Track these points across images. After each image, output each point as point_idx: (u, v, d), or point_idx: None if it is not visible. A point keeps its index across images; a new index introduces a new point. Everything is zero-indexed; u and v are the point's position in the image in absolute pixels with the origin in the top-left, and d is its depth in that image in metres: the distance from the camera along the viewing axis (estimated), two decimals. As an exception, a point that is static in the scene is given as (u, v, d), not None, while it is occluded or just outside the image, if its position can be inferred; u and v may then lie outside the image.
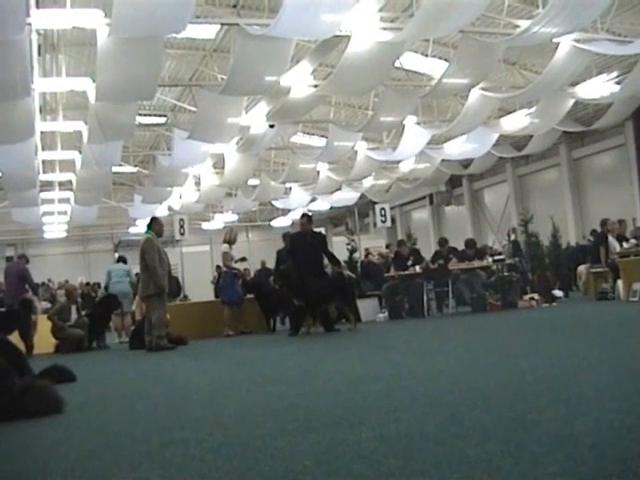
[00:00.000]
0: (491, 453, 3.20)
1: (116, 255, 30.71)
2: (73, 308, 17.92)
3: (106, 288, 20.65)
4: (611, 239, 18.77)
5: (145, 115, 31.31)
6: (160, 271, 14.27)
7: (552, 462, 2.94)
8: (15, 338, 14.66)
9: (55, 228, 43.73)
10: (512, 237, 23.92)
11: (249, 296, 18.74)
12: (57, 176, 33.36)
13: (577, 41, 19.51)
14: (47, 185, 34.41)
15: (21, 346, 14.38)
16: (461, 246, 20.39)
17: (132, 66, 16.87)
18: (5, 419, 5.49)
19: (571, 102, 24.64)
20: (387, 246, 27.14)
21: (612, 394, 4.55)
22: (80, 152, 27.40)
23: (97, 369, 11.67)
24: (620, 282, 17.03)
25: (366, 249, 26.28)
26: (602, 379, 5.25)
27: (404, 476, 2.95)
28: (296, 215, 44.11)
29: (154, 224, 15.20)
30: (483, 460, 3.09)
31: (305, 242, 15.75)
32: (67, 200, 36.64)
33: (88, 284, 33.38)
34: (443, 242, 20.64)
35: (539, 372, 5.95)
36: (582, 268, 21.77)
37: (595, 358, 6.68)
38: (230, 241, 18.28)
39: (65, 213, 39.40)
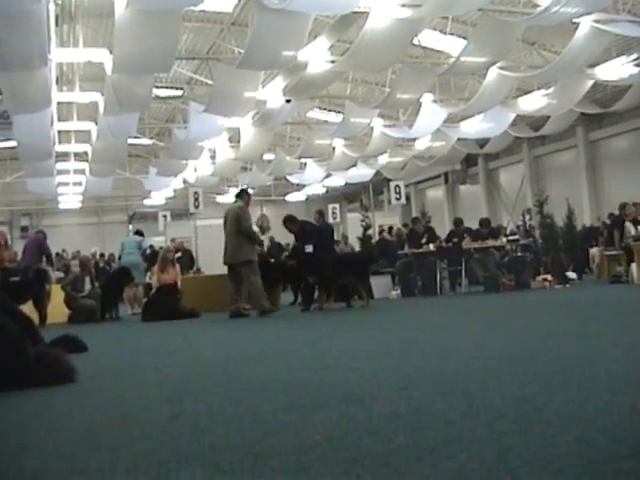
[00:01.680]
0: (501, 433, 3.20)
1: (130, 227, 30.77)
2: (87, 279, 17.98)
3: (119, 259, 20.74)
4: (628, 223, 18.66)
5: (161, 87, 31.26)
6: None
7: (562, 443, 2.94)
8: (29, 307, 14.74)
9: (70, 199, 43.86)
10: (527, 219, 23.86)
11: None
12: (73, 147, 33.44)
13: (597, 22, 19.36)
14: (62, 156, 34.49)
15: (35, 315, 14.49)
16: (475, 225, 20.37)
17: (149, 38, 16.85)
18: (18, 387, 5.51)
19: (589, 83, 24.50)
20: (404, 225, 27.04)
21: (624, 377, 4.55)
22: (96, 123, 27.43)
23: (109, 340, 11.73)
24: (634, 265, 16.98)
25: (380, 226, 26.26)
26: (614, 362, 5.23)
27: (414, 453, 2.96)
28: (311, 190, 44.18)
29: (244, 194, 15.57)
30: (493, 439, 3.09)
31: (318, 231, 16.10)
32: (82, 171, 36.75)
33: (103, 256, 33.48)
34: (458, 222, 20.61)
35: (551, 353, 5.95)
36: (595, 250, 21.71)
37: (608, 341, 6.66)
38: (262, 228, 18.21)
39: (80, 184, 39.52)
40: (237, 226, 14.48)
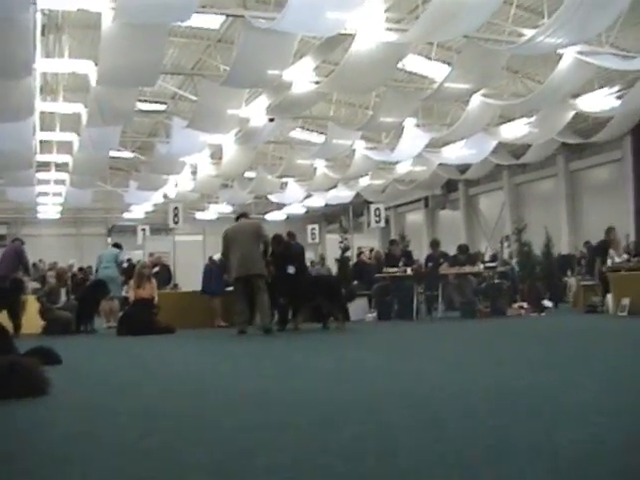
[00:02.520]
0: (471, 460, 3.21)
1: (109, 240, 30.65)
2: (62, 290, 17.88)
3: (96, 272, 20.61)
4: (612, 251, 18.63)
5: (145, 101, 31.22)
6: None
7: (529, 474, 2.95)
8: (3, 317, 14.64)
9: (49, 209, 43.70)
10: (505, 246, 23.96)
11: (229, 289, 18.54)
12: (54, 157, 33.31)
13: (581, 53, 19.53)
14: (43, 166, 34.35)
15: (9, 325, 14.37)
16: (454, 251, 20.40)
17: (135, 52, 16.85)
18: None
19: (571, 114, 24.67)
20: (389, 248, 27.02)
21: (595, 408, 4.56)
22: (78, 134, 27.36)
23: (84, 353, 11.66)
24: (610, 296, 17.05)
25: (359, 248, 26.28)
26: (586, 392, 5.26)
27: (382, 477, 2.96)
28: (291, 210, 44.18)
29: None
30: (463, 466, 3.10)
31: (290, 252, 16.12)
32: (63, 182, 36.60)
33: (82, 269, 33.30)
34: (435, 244, 20.67)
35: (524, 381, 5.97)
36: (572, 280, 21.81)
37: (580, 371, 6.70)
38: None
39: (60, 195, 39.37)
40: (257, 239, 14.57)
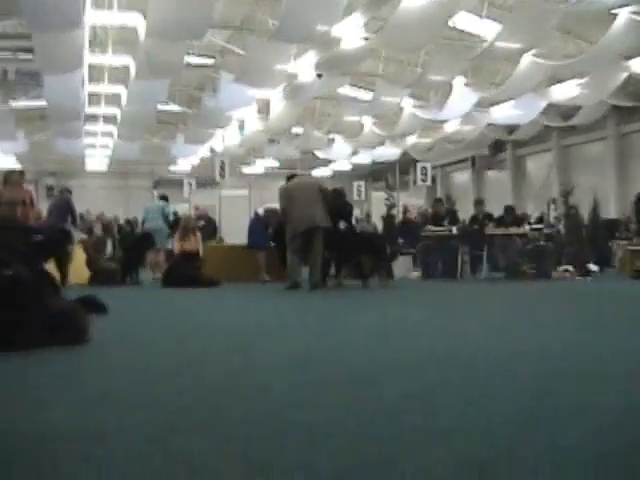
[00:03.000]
0: (514, 420, 3.22)
1: (155, 193, 30.83)
2: (109, 241, 18.05)
3: (143, 224, 20.75)
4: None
5: (193, 55, 31.22)
6: None
7: (573, 435, 2.95)
8: (51, 267, 14.81)
9: (96, 161, 44.03)
10: (552, 209, 23.76)
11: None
12: (102, 110, 33.51)
13: (635, 13, 19.16)
14: (91, 118, 34.57)
15: (57, 275, 14.57)
16: (499, 211, 20.23)
17: (184, 4, 16.86)
18: (35, 344, 5.55)
19: (624, 76, 24.28)
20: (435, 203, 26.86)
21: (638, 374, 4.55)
22: (127, 87, 27.47)
23: (129, 304, 11.76)
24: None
25: (404, 206, 26.23)
26: (630, 358, 5.23)
27: (425, 435, 2.98)
28: (337, 166, 44.10)
29: None
30: (505, 425, 3.11)
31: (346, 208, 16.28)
32: (110, 134, 36.83)
33: (129, 221, 33.55)
34: (479, 202, 20.58)
35: (567, 345, 5.94)
36: (619, 244, 21.59)
37: (623, 336, 6.66)
38: None
39: (107, 147, 39.63)
40: (319, 194, 14.56)
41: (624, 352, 5.51)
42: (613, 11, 18.82)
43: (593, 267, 20.10)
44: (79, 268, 16.80)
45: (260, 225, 18.37)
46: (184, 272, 15.93)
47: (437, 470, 2.51)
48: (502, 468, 2.54)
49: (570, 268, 18.90)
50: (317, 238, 14.33)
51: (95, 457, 2.70)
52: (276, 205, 16.73)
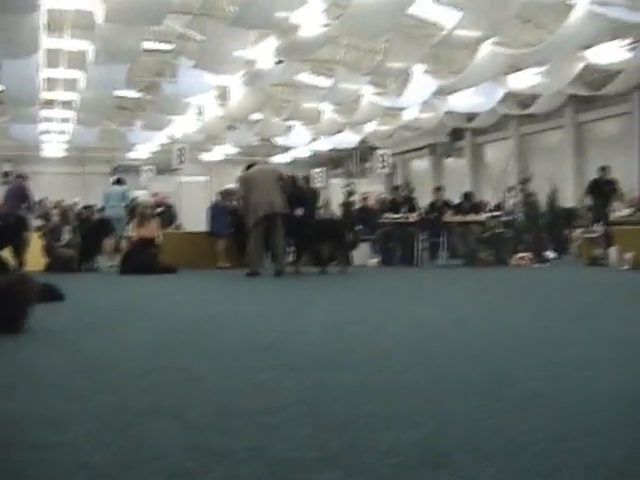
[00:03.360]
0: (470, 405, 3.24)
1: (110, 179, 30.57)
2: (66, 228, 17.88)
3: (102, 210, 20.56)
4: (616, 204, 18.70)
5: (152, 41, 30.98)
6: None
7: (527, 420, 2.97)
8: (7, 254, 14.67)
9: (53, 147, 43.58)
10: (510, 196, 23.92)
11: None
12: (60, 95, 33.16)
13: (593, 4, 19.29)
14: (49, 103, 34.21)
15: (14, 262, 14.44)
16: (458, 199, 20.32)
17: (143, -11, 16.70)
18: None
19: (581, 65, 24.46)
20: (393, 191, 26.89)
21: (592, 359, 4.59)
22: (84, 72, 27.20)
23: (86, 291, 11.69)
24: (613, 249, 17.04)
25: (363, 193, 26.26)
26: (585, 344, 5.29)
27: (382, 421, 2.98)
28: (296, 153, 44.07)
29: None
30: (461, 412, 3.12)
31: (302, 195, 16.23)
32: (68, 120, 36.47)
33: (87, 207, 33.25)
34: (438, 189, 20.67)
35: (524, 330, 6.00)
36: (576, 232, 21.78)
37: (580, 322, 6.72)
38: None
39: (65, 133, 39.24)
40: (278, 181, 14.63)
41: (573, 337, 5.56)
42: (572, 1, 18.93)
43: (550, 254, 20.27)
44: (35, 255, 16.66)
45: (220, 212, 18.32)
46: (141, 259, 15.85)
47: (396, 458, 2.52)
48: (460, 456, 2.55)
49: (528, 255, 19.03)
50: (277, 224, 14.35)
51: (51, 445, 2.67)
52: (232, 186, 16.80)
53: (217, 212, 18.44)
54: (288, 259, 15.87)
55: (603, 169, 19.41)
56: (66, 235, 17.75)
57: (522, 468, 2.40)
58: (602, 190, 18.93)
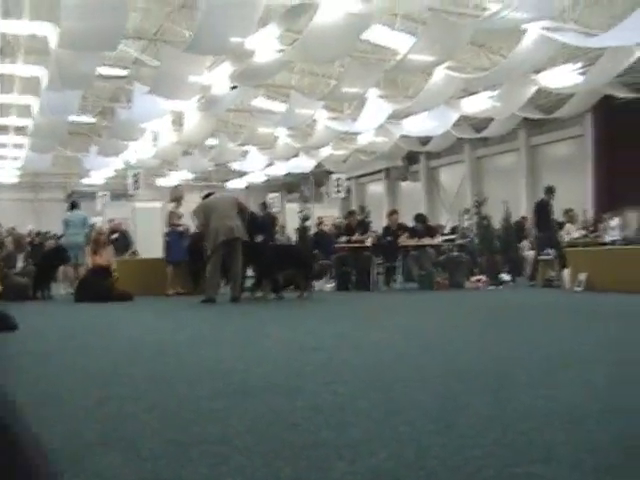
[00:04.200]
0: (422, 431, 3.25)
1: (67, 204, 30.33)
2: (20, 256, 17.72)
3: (59, 238, 20.29)
4: (569, 225, 18.94)
5: (107, 66, 30.90)
6: None
7: (480, 445, 2.99)
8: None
9: (7, 173, 43.25)
10: (464, 219, 24.08)
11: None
12: (13, 120, 32.94)
13: (545, 29, 19.56)
14: (2, 129, 33.97)
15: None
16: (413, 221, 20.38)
17: (97, 15, 16.64)
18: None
19: (534, 89, 24.76)
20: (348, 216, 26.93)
21: (544, 381, 4.63)
22: (38, 98, 27.04)
23: (40, 319, 11.60)
24: (566, 271, 17.22)
25: (319, 218, 26.30)
26: (536, 365, 5.34)
27: (334, 448, 2.99)
28: (252, 178, 44.10)
29: None
30: (413, 438, 3.14)
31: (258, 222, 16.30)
32: (21, 146, 36.22)
33: (39, 234, 32.98)
34: (392, 213, 20.65)
35: (477, 353, 6.05)
36: (530, 254, 21.98)
37: (532, 343, 6.78)
38: (176, 199, 18.17)
39: (18, 159, 38.95)
40: (235, 208, 14.65)
41: (524, 357, 5.61)
42: (523, 26, 19.18)
43: (505, 276, 20.42)
44: (-12, 283, 16.47)
45: (175, 238, 18.23)
46: (96, 287, 15.73)
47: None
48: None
49: (483, 278, 19.17)
50: (236, 250, 14.36)
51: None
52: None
53: (172, 238, 18.33)
54: (245, 285, 15.85)
55: (550, 190, 19.60)
56: (20, 263, 17.60)
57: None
58: (548, 211, 19.11)
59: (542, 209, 19.24)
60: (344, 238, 19.53)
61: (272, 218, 17.34)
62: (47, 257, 18.30)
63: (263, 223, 16.30)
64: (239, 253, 14.43)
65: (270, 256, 15.32)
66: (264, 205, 17.84)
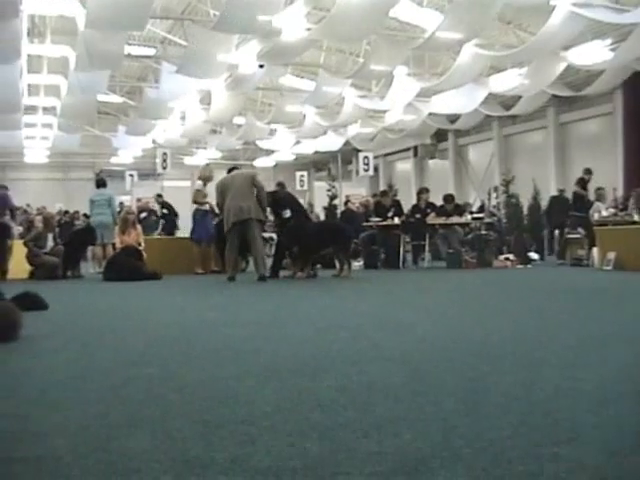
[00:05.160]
0: (448, 412, 3.26)
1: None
2: (50, 236, 17.81)
3: (87, 218, 20.38)
4: (598, 203, 18.87)
5: (134, 45, 30.94)
6: None
7: (506, 425, 2.99)
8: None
9: (36, 153, 43.48)
10: (493, 197, 23.99)
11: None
12: (41, 100, 33.08)
13: (574, 5, 19.39)
14: (31, 109, 34.11)
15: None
16: (441, 200, 20.31)
17: (124, -6, 16.69)
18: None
19: (563, 66, 24.57)
20: (374, 195, 26.85)
21: (572, 362, 4.61)
22: (66, 78, 27.15)
23: (70, 299, 11.66)
24: (595, 250, 17.11)
25: (347, 196, 26.28)
26: (565, 345, 5.32)
27: (360, 428, 3.00)
28: (279, 157, 44.11)
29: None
30: (439, 418, 3.14)
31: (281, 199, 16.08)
32: (50, 125, 36.38)
33: (67, 212, 33.16)
34: (423, 191, 20.49)
35: (505, 333, 6.02)
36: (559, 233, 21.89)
37: (561, 323, 6.76)
38: (204, 178, 18.14)
39: (47, 138, 39.14)
40: (251, 187, 14.44)
41: (552, 337, 5.60)
42: (552, 2, 19.02)
43: (533, 255, 20.34)
44: (19, 263, 16.61)
45: (202, 217, 18.22)
46: (125, 265, 15.79)
47: (374, 466, 2.54)
48: (437, 463, 2.57)
49: (511, 256, 19.10)
50: (251, 230, 14.26)
51: (32, 459, 2.69)
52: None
53: (199, 217, 18.31)
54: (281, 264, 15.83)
55: (588, 172, 19.69)
56: (50, 242, 17.69)
57: (500, 474, 2.42)
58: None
59: (583, 189, 19.37)
60: (376, 219, 19.38)
61: (290, 196, 17.14)
62: (76, 236, 18.39)
63: (285, 199, 16.10)
64: (255, 232, 14.28)
65: (313, 234, 15.25)
66: (280, 184, 17.68)
